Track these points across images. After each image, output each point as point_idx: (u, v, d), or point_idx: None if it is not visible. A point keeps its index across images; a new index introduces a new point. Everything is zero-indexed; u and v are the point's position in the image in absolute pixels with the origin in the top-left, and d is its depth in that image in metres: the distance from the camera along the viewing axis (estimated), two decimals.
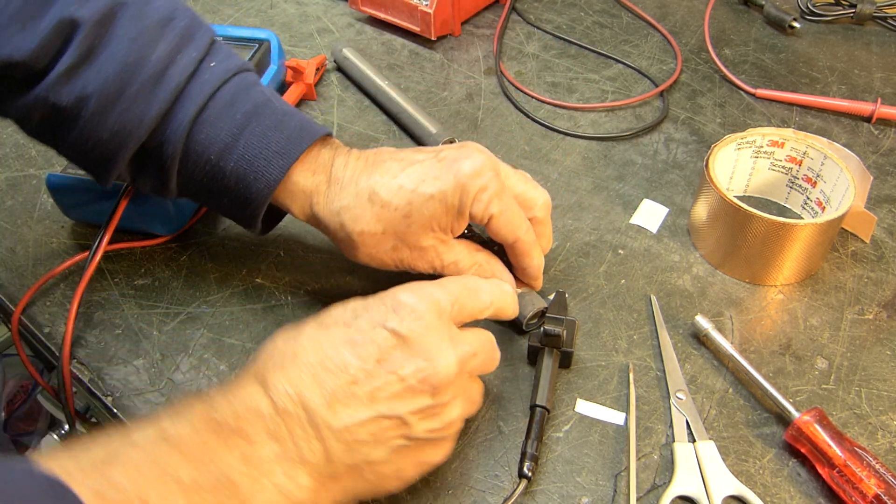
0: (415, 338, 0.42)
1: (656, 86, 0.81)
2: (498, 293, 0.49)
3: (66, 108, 0.49)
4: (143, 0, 0.50)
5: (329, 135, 0.54)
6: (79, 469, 0.32)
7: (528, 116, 0.78)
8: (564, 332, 0.53)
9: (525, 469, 0.48)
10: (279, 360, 0.41)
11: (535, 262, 0.54)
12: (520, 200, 0.53)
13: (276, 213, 0.57)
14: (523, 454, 0.48)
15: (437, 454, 0.44)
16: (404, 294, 0.44)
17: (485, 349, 0.46)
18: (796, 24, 0.88)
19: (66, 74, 0.48)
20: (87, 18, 0.47)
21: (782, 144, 0.64)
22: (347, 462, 0.40)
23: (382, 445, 0.41)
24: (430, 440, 0.43)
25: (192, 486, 0.34)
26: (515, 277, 0.56)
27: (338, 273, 0.62)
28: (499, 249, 0.57)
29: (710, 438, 0.51)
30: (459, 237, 0.54)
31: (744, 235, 0.59)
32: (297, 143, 0.51)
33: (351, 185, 0.52)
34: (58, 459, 0.33)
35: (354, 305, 0.44)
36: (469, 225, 0.54)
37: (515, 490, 0.47)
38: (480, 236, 0.58)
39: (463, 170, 0.50)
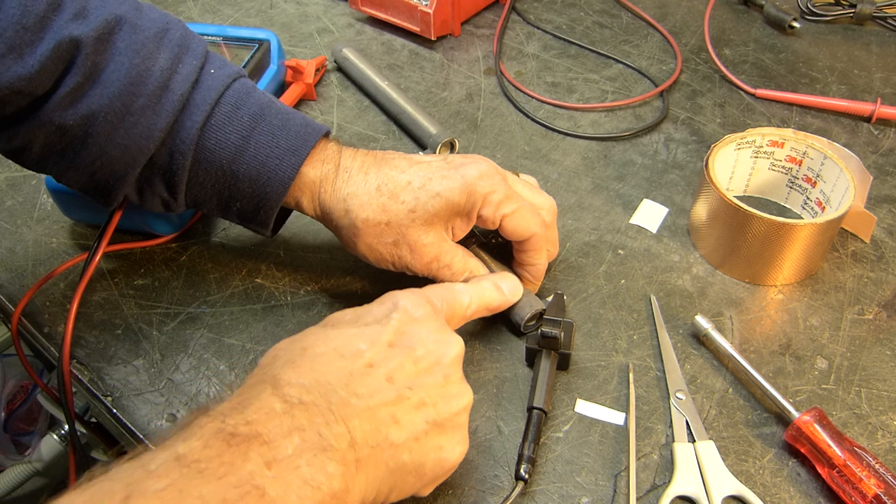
0: (420, 326, 0.44)
1: (656, 86, 0.81)
2: (474, 290, 0.51)
3: (73, 128, 0.48)
4: (136, 13, 0.50)
5: (329, 132, 0.55)
6: None
7: (528, 116, 0.78)
8: (562, 334, 0.53)
9: (522, 471, 0.48)
10: (288, 359, 0.41)
11: (543, 259, 0.56)
12: None
13: (282, 212, 0.57)
14: (520, 456, 0.48)
15: (453, 447, 0.43)
16: (400, 295, 0.46)
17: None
18: (796, 24, 0.88)
19: (72, 95, 0.47)
20: (86, 37, 0.47)
21: (782, 144, 0.64)
22: (371, 443, 0.40)
23: (403, 427, 0.41)
24: (447, 425, 0.43)
25: (219, 503, 0.33)
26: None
27: (338, 273, 0.62)
28: (498, 253, 0.57)
29: (710, 438, 0.51)
30: (459, 242, 0.55)
31: (743, 235, 0.59)
32: (306, 139, 0.52)
33: (359, 175, 0.53)
34: (77, 502, 0.32)
35: (354, 310, 0.46)
36: (472, 230, 0.55)
37: (512, 492, 0.47)
38: (480, 238, 0.58)
39: (469, 173, 0.52)
